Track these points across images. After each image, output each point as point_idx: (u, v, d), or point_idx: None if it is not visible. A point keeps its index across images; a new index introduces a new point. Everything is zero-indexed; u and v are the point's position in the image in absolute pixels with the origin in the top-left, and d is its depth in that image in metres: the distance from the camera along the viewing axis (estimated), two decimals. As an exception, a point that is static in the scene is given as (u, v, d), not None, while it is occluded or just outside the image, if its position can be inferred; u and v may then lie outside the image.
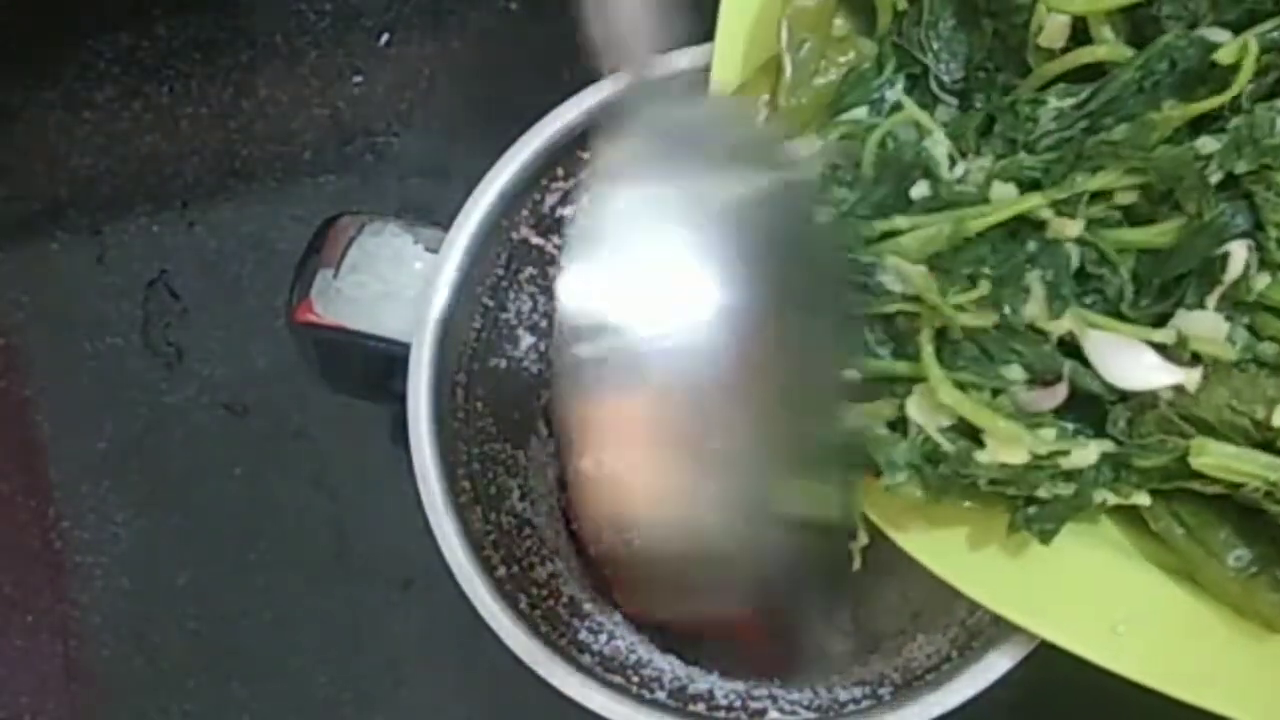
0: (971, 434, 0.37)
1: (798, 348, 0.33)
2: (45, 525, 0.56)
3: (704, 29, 0.42)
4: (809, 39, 0.41)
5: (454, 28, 0.60)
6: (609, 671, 0.42)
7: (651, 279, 0.30)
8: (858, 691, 0.42)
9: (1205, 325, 0.36)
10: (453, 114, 0.59)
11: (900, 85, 0.41)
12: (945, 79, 0.41)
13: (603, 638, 0.44)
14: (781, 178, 0.34)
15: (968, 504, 0.38)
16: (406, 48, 0.59)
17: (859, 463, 0.37)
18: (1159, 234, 0.37)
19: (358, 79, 0.59)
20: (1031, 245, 0.37)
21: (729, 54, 0.42)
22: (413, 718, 0.54)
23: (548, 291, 0.48)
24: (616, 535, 0.31)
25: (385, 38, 0.60)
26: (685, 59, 0.43)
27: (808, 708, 0.42)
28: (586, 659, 0.42)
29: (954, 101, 0.41)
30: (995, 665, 0.39)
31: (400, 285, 0.44)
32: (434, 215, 0.46)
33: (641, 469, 0.30)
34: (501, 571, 0.42)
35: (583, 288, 0.30)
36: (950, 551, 0.39)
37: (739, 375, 0.30)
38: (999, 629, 0.40)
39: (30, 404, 0.57)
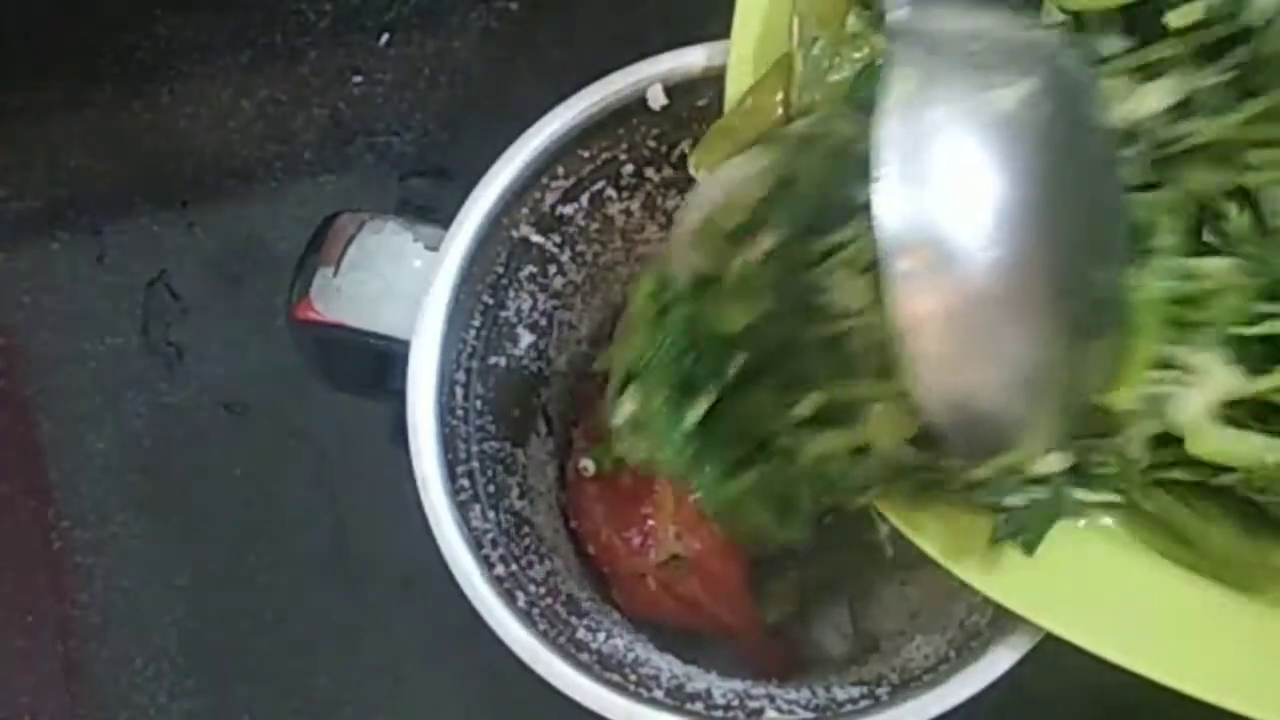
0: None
1: (1078, 240, 0.34)
2: (45, 525, 0.56)
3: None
4: (821, 36, 0.41)
5: (454, 28, 0.60)
6: (607, 670, 0.42)
7: (957, 185, 0.32)
8: (855, 691, 0.42)
9: None
10: (453, 114, 0.59)
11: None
12: None
13: (601, 636, 0.44)
14: (1052, 67, 0.35)
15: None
16: (406, 48, 0.59)
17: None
18: None
19: (358, 79, 0.59)
20: None
21: (745, 51, 0.42)
22: (413, 717, 0.54)
23: (547, 290, 0.48)
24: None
25: (385, 38, 0.60)
26: (724, 50, 0.43)
27: (805, 707, 0.42)
28: (585, 657, 0.42)
29: None
30: (993, 666, 0.39)
31: (400, 283, 0.44)
32: (434, 214, 0.46)
33: (951, 352, 0.32)
34: (500, 570, 0.42)
35: (899, 207, 0.31)
36: (966, 551, 0.39)
37: (1031, 268, 0.32)
38: (996, 630, 0.40)
39: (30, 404, 0.57)
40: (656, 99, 0.44)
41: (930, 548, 0.39)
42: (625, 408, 0.39)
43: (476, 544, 0.42)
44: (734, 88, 0.42)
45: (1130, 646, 0.38)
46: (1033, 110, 0.33)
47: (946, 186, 0.32)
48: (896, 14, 0.34)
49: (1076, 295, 0.34)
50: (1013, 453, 0.35)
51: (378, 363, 0.45)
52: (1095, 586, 0.38)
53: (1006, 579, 0.38)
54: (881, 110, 0.32)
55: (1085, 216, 0.34)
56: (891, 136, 0.32)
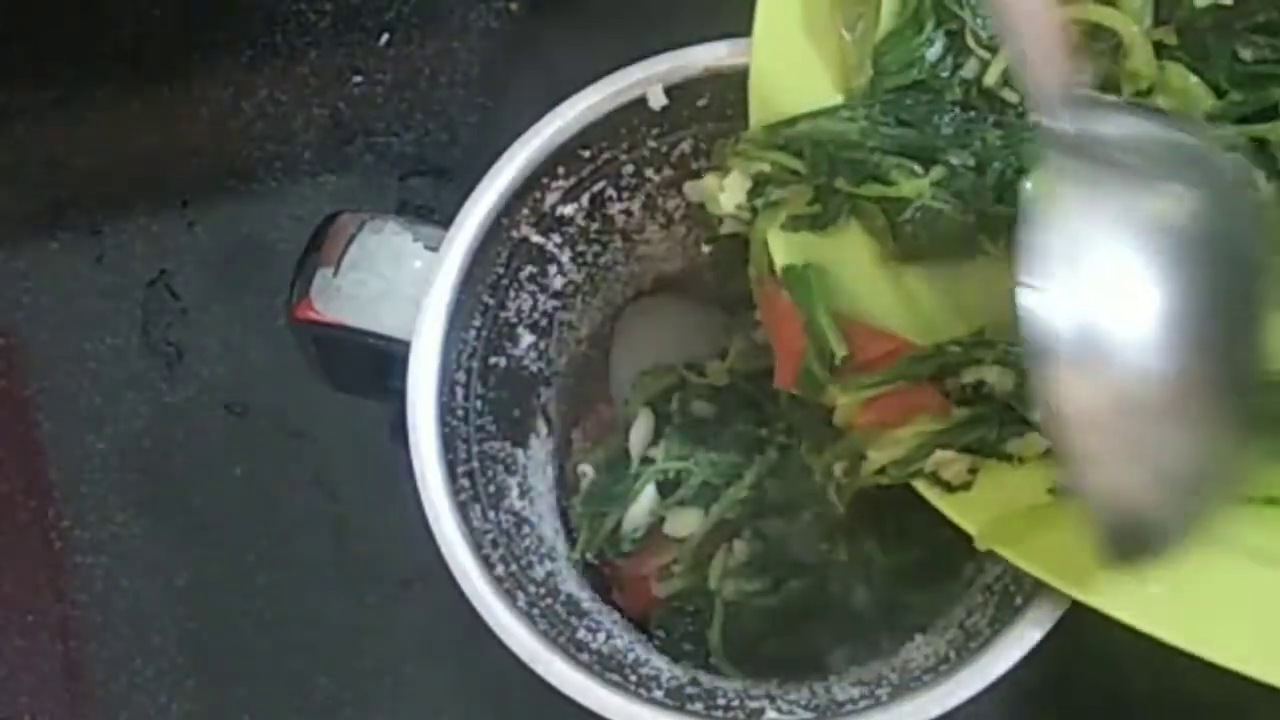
0: None
1: (1237, 357, 0.34)
2: (45, 525, 0.56)
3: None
4: (863, 14, 0.41)
5: (454, 28, 0.60)
6: (607, 670, 0.42)
7: (1110, 293, 0.32)
8: (855, 691, 0.42)
9: None
10: (453, 114, 0.59)
11: (940, 44, 0.41)
12: (981, 34, 0.40)
13: (601, 636, 0.44)
14: (1216, 183, 0.35)
15: None
16: (406, 48, 0.59)
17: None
18: None
19: (358, 79, 0.59)
20: None
21: (769, 42, 0.42)
22: (413, 718, 0.54)
23: (548, 290, 0.48)
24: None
25: (385, 38, 0.60)
26: (725, 50, 0.43)
27: (805, 707, 0.42)
28: (585, 657, 0.42)
29: (987, 57, 0.40)
30: (993, 667, 0.39)
31: (400, 283, 0.44)
32: (434, 214, 0.46)
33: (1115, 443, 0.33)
34: (500, 570, 0.42)
35: (1050, 305, 0.31)
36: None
37: (1199, 378, 0.33)
38: (996, 630, 0.40)
39: (30, 404, 0.57)
40: (656, 99, 0.44)
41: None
42: None
43: (476, 544, 0.42)
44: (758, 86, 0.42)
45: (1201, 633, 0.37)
46: (1196, 223, 0.33)
47: (1106, 283, 0.32)
48: (1055, 122, 0.34)
49: (1234, 401, 0.34)
50: (1167, 552, 0.35)
51: (378, 363, 0.45)
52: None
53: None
54: (1037, 218, 0.32)
55: (1243, 326, 0.34)
56: (1049, 246, 0.31)
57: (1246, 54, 0.38)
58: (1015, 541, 0.39)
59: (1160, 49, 0.39)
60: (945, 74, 0.41)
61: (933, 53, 0.41)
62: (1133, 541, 0.34)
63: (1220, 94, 0.38)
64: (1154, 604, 0.37)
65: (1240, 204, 0.35)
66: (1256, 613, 0.37)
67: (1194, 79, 0.38)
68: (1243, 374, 0.34)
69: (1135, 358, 0.32)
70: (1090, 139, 0.33)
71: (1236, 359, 0.34)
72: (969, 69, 0.41)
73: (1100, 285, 0.32)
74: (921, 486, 0.40)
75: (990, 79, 0.40)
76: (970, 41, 0.40)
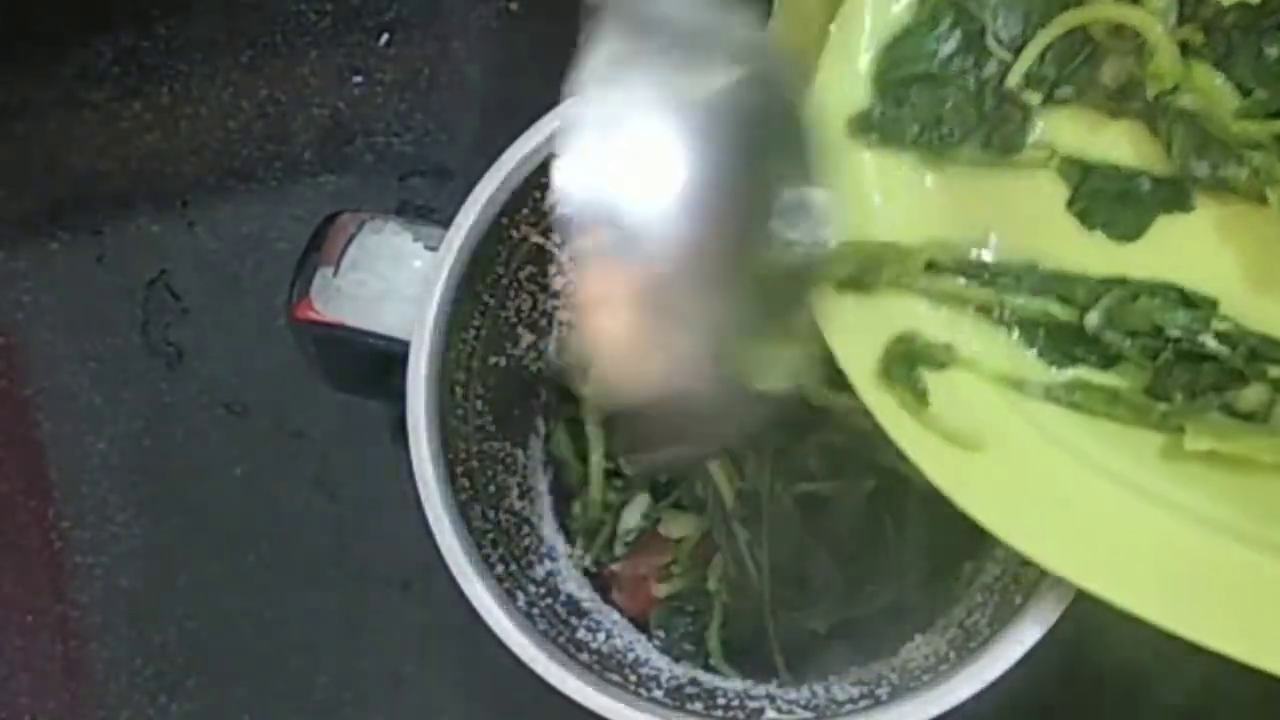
0: None
1: (766, 223, 0.35)
2: (45, 525, 0.56)
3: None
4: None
5: (454, 28, 0.60)
6: (607, 670, 0.42)
7: (638, 164, 0.33)
8: (855, 691, 0.42)
9: None
10: (453, 114, 0.59)
11: (955, 40, 0.41)
12: (1003, 35, 0.40)
13: (601, 636, 0.44)
14: (759, 67, 0.35)
15: None
16: (406, 48, 0.59)
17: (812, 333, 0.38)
18: None
19: (358, 79, 0.59)
20: None
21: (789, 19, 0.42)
22: (413, 718, 0.54)
23: (548, 290, 0.48)
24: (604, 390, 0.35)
25: (385, 38, 0.60)
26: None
27: (805, 707, 0.42)
28: (585, 657, 0.42)
29: (1009, 59, 0.40)
30: (992, 666, 0.39)
31: (400, 283, 0.44)
32: (434, 214, 0.46)
33: (628, 332, 0.33)
34: (500, 570, 0.42)
35: (579, 176, 0.32)
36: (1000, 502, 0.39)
37: (714, 248, 0.33)
38: (996, 630, 0.40)
39: (30, 404, 0.57)
40: (656, 99, 0.44)
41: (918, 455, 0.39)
42: None
43: (476, 544, 0.42)
44: None
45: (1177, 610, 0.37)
46: (726, 101, 0.33)
47: (624, 168, 0.32)
48: None
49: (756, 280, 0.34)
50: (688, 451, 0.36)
51: (378, 363, 0.45)
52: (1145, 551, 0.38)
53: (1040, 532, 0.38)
54: (574, 84, 0.32)
55: (770, 210, 0.35)
56: (580, 112, 0.32)
57: (1272, 51, 0.38)
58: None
59: (1185, 48, 0.38)
60: (957, 71, 0.41)
61: (946, 49, 0.41)
62: (661, 432, 0.35)
63: (1246, 92, 0.38)
64: (1137, 584, 0.37)
65: (780, 90, 0.36)
66: (1240, 595, 0.37)
67: (1220, 78, 0.38)
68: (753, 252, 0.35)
69: (652, 235, 0.32)
70: (644, 12, 0.34)
71: (749, 237, 0.34)
72: (989, 69, 0.41)
73: (620, 157, 0.32)
74: None
75: (1012, 81, 0.40)
76: (991, 43, 0.40)
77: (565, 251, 0.32)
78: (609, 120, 0.32)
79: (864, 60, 0.41)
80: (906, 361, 0.39)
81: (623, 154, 0.32)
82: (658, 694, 0.42)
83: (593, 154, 0.32)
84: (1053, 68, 0.40)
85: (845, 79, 0.41)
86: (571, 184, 0.32)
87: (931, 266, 0.40)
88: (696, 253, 0.33)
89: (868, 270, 0.40)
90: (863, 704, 0.41)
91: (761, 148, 0.34)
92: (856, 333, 0.40)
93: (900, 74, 0.41)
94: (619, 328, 0.33)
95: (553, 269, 0.47)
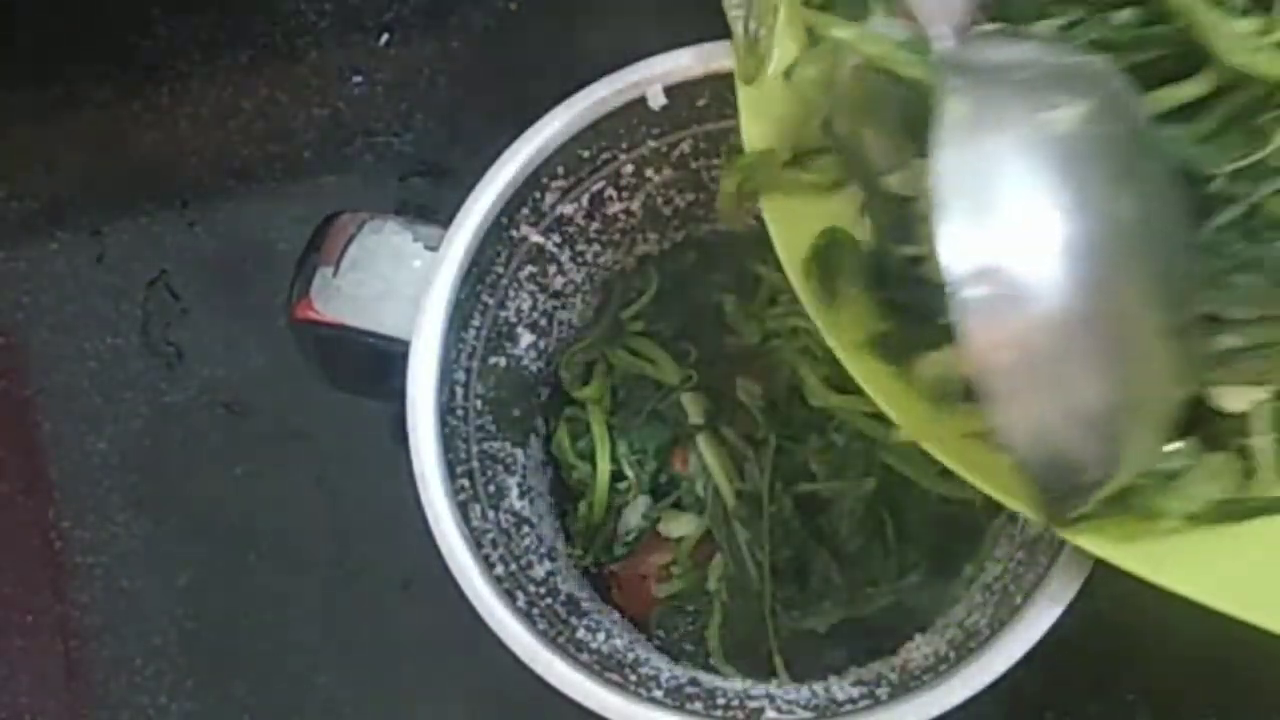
0: None
1: (1149, 274, 0.34)
2: (45, 525, 0.56)
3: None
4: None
5: (454, 28, 0.60)
6: (607, 670, 0.42)
7: (1020, 211, 0.32)
8: (855, 691, 0.42)
9: None
10: (453, 114, 0.59)
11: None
12: None
13: (600, 636, 0.44)
14: (1105, 91, 0.34)
15: None
16: (406, 48, 0.59)
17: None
18: None
19: (358, 79, 0.59)
20: None
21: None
22: (413, 717, 0.54)
23: (547, 289, 0.48)
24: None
25: (385, 38, 0.60)
26: (724, 50, 0.43)
27: (805, 707, 0.42)
28: (585, 657, 0.42)
29: None
30: (993, 666, 0.39)
31: (400, 283, 0.44)
32: (434, 214, 0.46)
33: (1032, 379, 0.32)
34: (500, 570, 0.42)
35: (963, 237, 0.31)
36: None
37: (1103, 304, 0.32)
38: (996, 630, 0.40)
39: (30, 404, 0.57)
40: (656, 99, 0.44)
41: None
42: None
43: (476, 544, 0.42)
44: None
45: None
46: (1092, 129, 0.33)
47: (1012, 217, 0.32)
48: (943, 45, 0.35)
49: (1149, 319, 0.33)
50: (1102, 487, 0.34)
51: (378, 363, 0.45)
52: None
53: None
54: (937, 142, 0.32)
55: (1152, 240, 0.34)
56: (950, 169, 0.31)
57: None
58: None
59: None
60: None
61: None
62: (1063, 484, 0.34)
63: None
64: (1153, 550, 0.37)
65: (1136, 116, 0.35)
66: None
67: None
68: (1165, 297, 0.34)
69: (1044, 280, 0.31)
70: (979, 60, 0.34)
71: (1150, 277, 0.33)
72: None
73: (1003, 206, 0.31)
74: None
75: None
76: None
77: (958, 315, 0.31)
78: (982, 169, 0.32)
79: None
80: None
81: (1004, 203, 0.32)
82: (658, 694, 0.42)
83: (974, 208, 0.31)
84: None
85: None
86: (957, 243, 0.31)
87: None
88: (1086, 301, 0.32)
89: None
90: (863, 704, 0.41)
91: (1132, 183, 0.34)
92: None
93: None
94: (1019, 383, 0.32)
95: (553, 269, 0.47)
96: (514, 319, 0.47)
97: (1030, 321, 0.31)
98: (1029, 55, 0.35)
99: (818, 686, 0.43)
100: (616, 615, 0.47)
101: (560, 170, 0.45)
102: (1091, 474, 0.34)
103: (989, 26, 0.37)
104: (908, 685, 0.41)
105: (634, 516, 0.49)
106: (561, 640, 0.42)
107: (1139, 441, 0.34)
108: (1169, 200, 0.35)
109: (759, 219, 0.42)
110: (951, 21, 0.35)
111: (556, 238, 0.47)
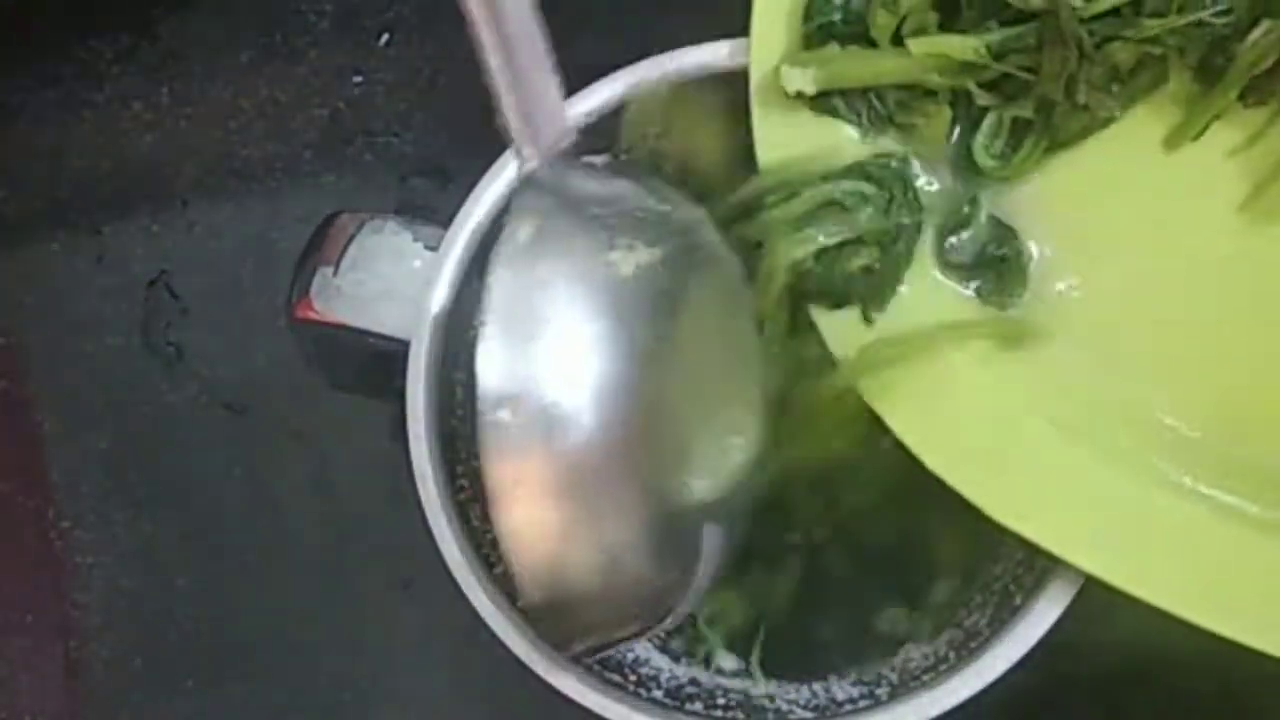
0: None
1: (691, 406, 0.34)
2: (45, 525, 0.56)
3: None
4: None
5: (454, 28, 0.59)
6: (607, 670, 0.42)
7: (562, 344, 0.32)
8: (855, 691, 0.42)
9: None
10: (453, 114, 0.59)
11: None
12: None
13: (601, 636, 0.44)
14: (682, 242, 0.35)
15: None
16: (406, 48, 0.59)
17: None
18: None
19: (358, 79, 0.59)
20: None
21: (768, 41, 0.42)
22: (413, 717, 0.54)
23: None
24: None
25: (385, 38, 0.60)
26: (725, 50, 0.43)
27: (805, 707, 0.42)
28: (585, 657, 0.42)
29: None
30: (992, 666, 0.39)
31: (400, 283, 0.44)
32: (434, 215, 0.46)
33: (546, 519, 0.32)
34: (500, 569, 0.42)
35: (500, 358, 0.31)
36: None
37: (639, 429, 0.32)
38: (996, 630, 0.40)
39: (30, 404, 0.57)
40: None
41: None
42: None
43: (476, 544, 0.42)
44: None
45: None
46: (656, 276, 0.33)
47: (551, 349, 0.32)
48: (532, 166, 0.34)
49: (675, 476, 0.33)
50: (600, 639, 0.34)
51: (378, 363, 0.45)
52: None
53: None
54: (495, 256, 0.32)
55: (702, 385, 0.34)
56: (502, 287, 0.32)
57: None
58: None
59: None
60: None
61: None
62: (569, 624, 0.34)
63: None
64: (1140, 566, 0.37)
65: (712, 269, 0.35)
66: (1258, 582, 0.37)
67: None
68: (696, 439, 0.34)
69: (572, 414, 0.31)
70: (564, 187, 0.34)
71: (691, 419, 0.34)
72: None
73: (544, 348, 0.31)
74: None
75: None
76: None
77: (477, 429, 0.31)
78: (529, 292, 0.32)
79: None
80: None
81: (541, 330, 0.32)
82: (658, 694, 0.42)
83: (512, 327, 0.31)
84: None
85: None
86: (490, 358, 0.31)
87: None
88: (615, 436, 0.31)
89: None
90: (863, 704, 0.41)
91: (690, 328, 0.34)
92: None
93: None
94: (536, 513, 0.31)
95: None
96: (514, 319, 0.47)
97: (550, 455, 0.31)
98: (617, 192, 0.35)
99: (818, 686, 0.43)
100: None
101: (560, 170, 0.45)
102: (592, 626, 0.34)
103: (596, 159, 0.39)
104: (908, 685, 0.41)
105: None
106: (561, 640, 0.42)
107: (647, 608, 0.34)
108: (731, 331, 0.35)
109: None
110: (539, 144, 0.35)
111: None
